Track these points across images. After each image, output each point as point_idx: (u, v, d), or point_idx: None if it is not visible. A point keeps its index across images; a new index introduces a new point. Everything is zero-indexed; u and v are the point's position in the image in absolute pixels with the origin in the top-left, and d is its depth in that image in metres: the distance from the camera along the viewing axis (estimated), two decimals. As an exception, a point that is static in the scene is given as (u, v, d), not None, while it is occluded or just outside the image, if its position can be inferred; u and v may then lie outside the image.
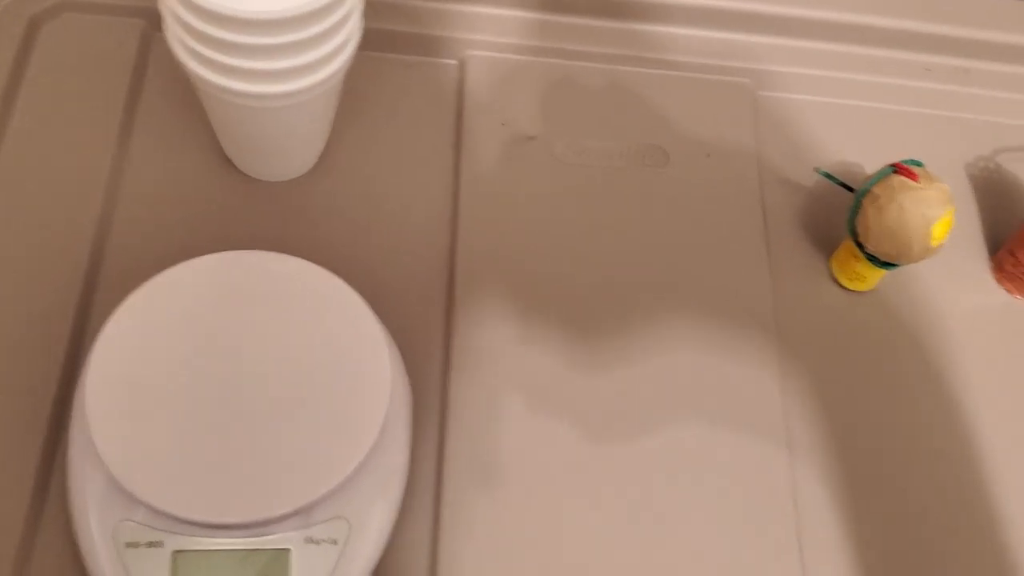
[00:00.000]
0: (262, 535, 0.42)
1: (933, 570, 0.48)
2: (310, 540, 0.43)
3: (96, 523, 0.42)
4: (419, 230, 0.53)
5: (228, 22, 0.42)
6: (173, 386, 0.43)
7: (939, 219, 0.49)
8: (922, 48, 0.63)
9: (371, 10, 0.51)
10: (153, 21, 0.56)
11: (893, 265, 0.52)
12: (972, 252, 0.58)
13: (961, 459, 0.51)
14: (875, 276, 0.54)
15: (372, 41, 0.56)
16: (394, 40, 0.58)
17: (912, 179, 0.49)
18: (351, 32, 0.46)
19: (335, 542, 0.43)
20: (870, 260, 0.52)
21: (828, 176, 0.55)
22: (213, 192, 0.52)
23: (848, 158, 0.59)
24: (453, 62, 0.59)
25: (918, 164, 0.51)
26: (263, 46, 0.43)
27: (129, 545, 0.42)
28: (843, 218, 0.54)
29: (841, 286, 0.55)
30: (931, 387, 0.53)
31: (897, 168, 0.50)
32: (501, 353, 0.50)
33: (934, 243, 0.50)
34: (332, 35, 0.44)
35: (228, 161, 0.53)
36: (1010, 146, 0.62)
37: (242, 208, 0.52)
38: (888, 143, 0.60)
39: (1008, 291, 0.57)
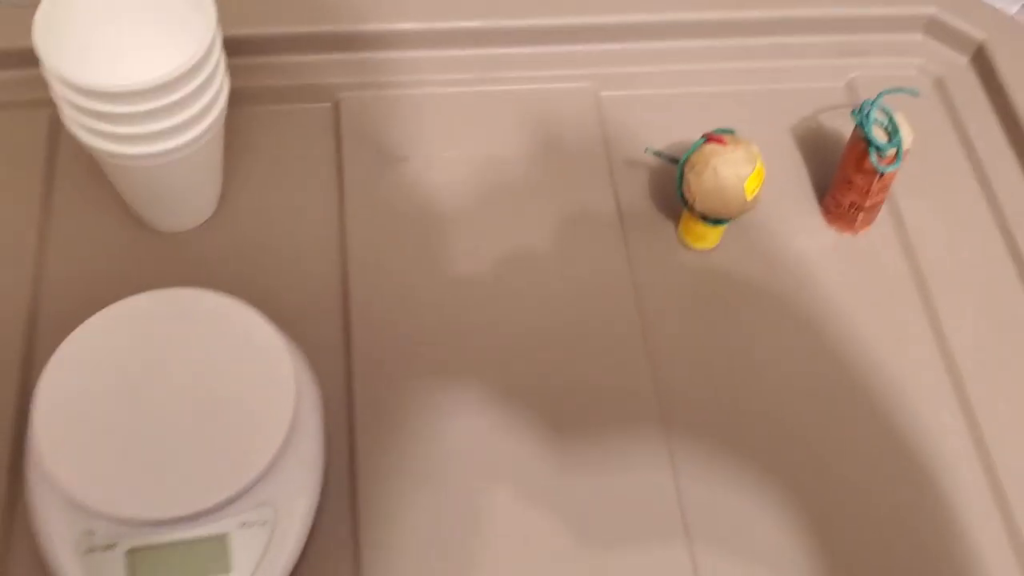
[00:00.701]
0: (202, 525, 0.48)
1: (804, 486, 0.55)
2: (244, 524, 0.49)
3: (57, 538, 0.48)
4: (313, 255, 0.59)
5: (102, 96, 0.48)
6: (110, 408, 0.49)
7: (749, 175, 0.56)
8: (738, 32, 0.70)
9: (249, 69, 0.58)
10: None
11: (723, 221, 0.59)
12: (803, 201, 0.65)
13: (811, 380, 0.58)
14: (715, 233, 0.61)
15: (253, 96, 0.63)
16: (273, 92, 0.64)
17: (721, 144, 0.56)
18: (216, 93, 0.52)
19: (265, 523, 0.49)
20: (703, 220, 0.59)
21: (657, 154, 0.62)
22: (126, 246, 0.58)
23: (684, 138, 0.66)
24: (328, 105, 0.65)
25: (730, 131, 0.58)
26: (136, 113, 0.49)
27: (88, 551, 0.48)
28: (679, 188, 0.61)
29: (689, 247, 0.62)
30: (782, 320, 0.60)
31: (708, 137, 0.57)
32: (396, 351, 0.56)
33: (749, 196, 0.56)
34: (197, 98, 0.51)
35: (136, 218, 0.59)
36: (826, 106, 0.69)
37: (153, 256, 0.58)
38: (719, 120, 0.66)
39: (837, 229, 0.64)
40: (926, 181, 0.66)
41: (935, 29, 0.71)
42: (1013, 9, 0.73)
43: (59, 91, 0.49)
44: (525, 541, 0.51)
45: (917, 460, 0.55)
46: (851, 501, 0.54)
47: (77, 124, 0.51)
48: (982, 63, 0.70)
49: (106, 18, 0.52)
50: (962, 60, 0.71)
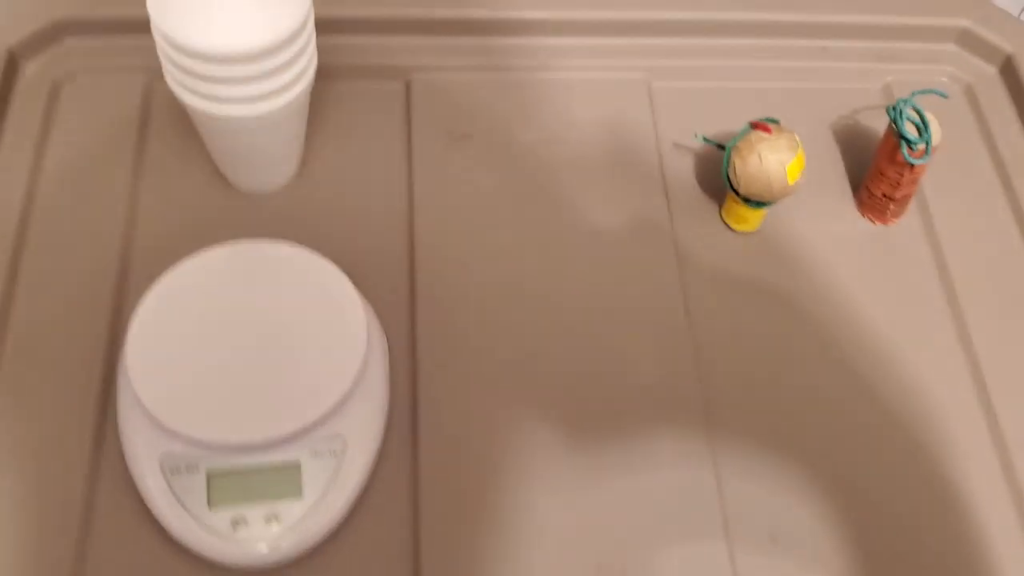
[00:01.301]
0: (277, 452, 0.52)
1: (840, 461, 0.57)
2: (315, 454, 0.52)
3: (144, 457, 0.51)
4: (383, 218, 0.63)
5: (208, 59, 0.52)
6: (197, 344, 0.52)
7: (791, 161, 0.59)
8: (785, 34, 0.73)
9: (331, 48, 0.62)
10: (153, 75, 0.66)
11: (765, 204, 0.62)
12: (839, 192, 0.68)
13: (840, 361, 0.61)
14: (756, 217, 0.64)
15: (334, 72, 0.66)
16: (351, 70, 0.68)
17: (766, 132, 0.59)
18: (307, 64, 0.56)
19: (334, 454, 0.53)
20: (746, 203, 0.62)
21: (705, 140, 0.65)
22: (212, 203, 0.62)
23: (729, 127, 0.69)
24: (400, 84, 0.69)
25: (774, 121, 0.61)
26: (235, 77, 0.53)
27: (173, 471, 0.51)
28: (724, 173, 0.64)
29: (732, 229, 0.65)
30: (816, 302, 0.63)
31: (754, 125, 0.60)
32: (456, 306, 0.59)
33: (791, 181, 0.60)
34: (292, 65, 0.54)
35: (223, 180, 0.63)
36: (863, 106, 0.72)
37: (237, 214, 0.62)
38: (763, 112, 0.69)
39: (870, 220, 0.67)
40: (953, 180, 0.68)
41: (967, 40, 0.74)
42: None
43: (167, 53, 0.53)
44: (559, 483, 0.54)
45: (935, 451, 0.58)
46: (869, 481, 0.56)
47: (180, 85, 0.55)
48: (1010, 74, 0.73)
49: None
50: (991, 70, 0.74)
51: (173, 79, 0.55)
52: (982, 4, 0.75)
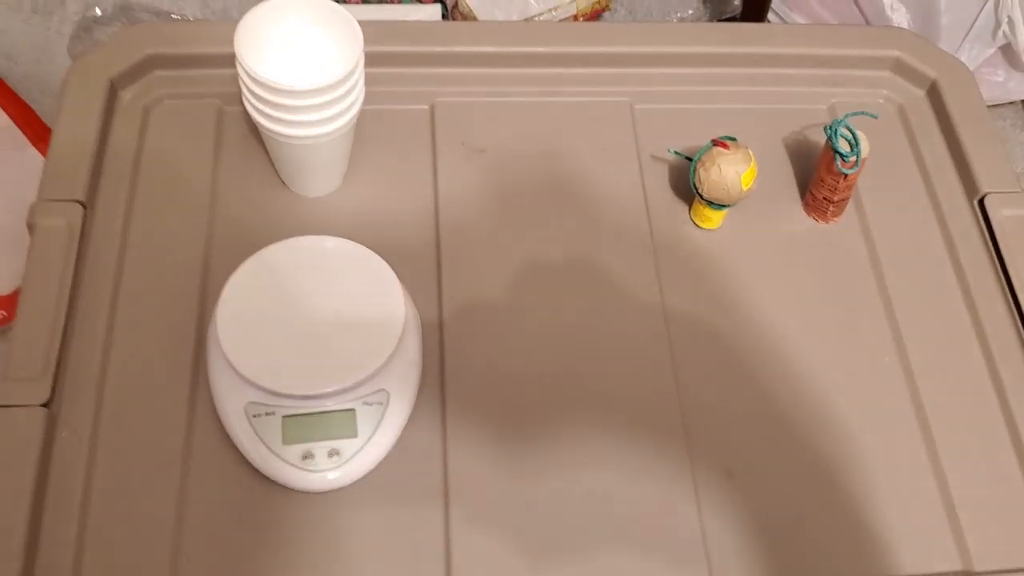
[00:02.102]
0: (336, 401, 0.64)
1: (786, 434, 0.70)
2: (365, 402, 0.64)
3: (231, 406, 0.64)
4: (414, 217, 0.75)
5: (282, 92, 0.65)
6: (271, 316, 0.64)
7: (745, 171, 0.72)
8: (745, 63, 0.85)
9: (372, 77, 0.74)
10: (225, 100, 0.78)
11: (724, 206, 0.74)
12: (788, 195, 0.80)
13: (786, 333, 0.73)
14: (718, 216, 0.77)
15: (373, 97, 0.78)
16: (386, 96, 0.80)
17: (724, 148, 0.72)
18: (357, 95, 0.68)
19: (381, 404, 0.65)
20: (710, 205, 0.75)
21: (676, 153, 0.77)
22: (276, 205, 0.75)
23: (698, 142, 0.81)
24: (426, 106, 0.81)
25: (731, 138, 0.73)
26: (305, 106, 0.65)
27: (255, 416, 0.64)
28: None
29: (698, 227, 0.78)
30: (767, 287, 0.75)
31: (715, 142, 0.73)
32: (474, 289, 0.72)
33: (745, 187, 0.72)
34: (345, 98, 0.67)
35: (284, 186, 0.76)
36: (810, 123, 0.84)
37: (296, 214, 0.74)
38: (726, 129, 0.80)
39: (814, 219, 0.79)
40: (885, 186, 0.81)
41: (899, 67, 0.86)
42: (964, 55, 0.88)
43: (248, 85, 0.66)
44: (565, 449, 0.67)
45: (863, 417, 0.70)
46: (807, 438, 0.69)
47: (257, 111, 0.67)
48: (935, 97, 0.85)
49: (282, 33, 0.68)
50: (919, 93, 0.86)
51: (252, 106, 0.67)
52: (912, 37, 0.87)
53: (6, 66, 1.33)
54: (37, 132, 1.17)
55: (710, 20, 1.59)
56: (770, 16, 1.59)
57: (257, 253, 0.67)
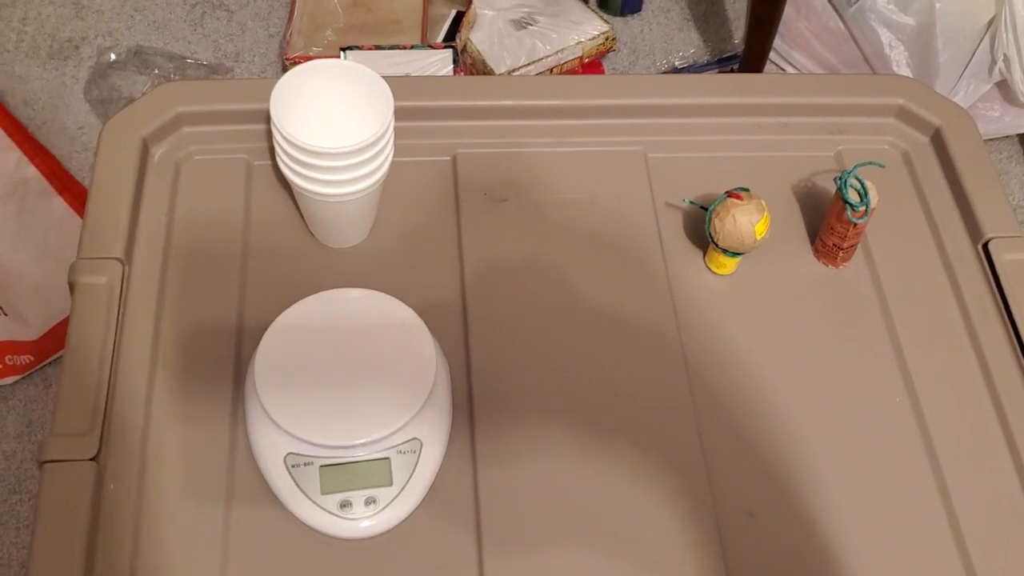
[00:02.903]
0: (372, 450, 0.66)
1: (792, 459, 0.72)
2: (400, 452, 0.67)
3: (270, 456, 0.66)
4: (439, 267, 0.77)
5: (315, 153, 0.67)
6: (307, 368, 0.67)
7: (759, 221, 0.74)
8: (756, 113, 0.88)
9: (397, 130, 0.76)
10: (252, 155, 0.81)
11: (739, 254, 0.77)
12: (799, 241, 0.83)
13: (799, 373, 0.76)
14: (732, 263, 0.79)
15: (398, 149, 0.81)
16: (410, 148, 0.83)
17: (738, 199, 0.75)
18: (387, 154, 0.71)
19: (414, 452, 0.67)
20: (724, 252, 0.78)
21: (691, 203, 0.80)
22: (306, 257, 0.77)
23: (712, 190, 0.84)
24: (448, 158, 0.84)
25: (745, 189, 0.76)
26: (338, 166, 0.68)
27: (293, 466, 0.66)
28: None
29: (713, 272, 0.81)
30: (781, 329, 0.78)
31: (729, 193, 0.76)
32: (499, 338, 0.74)
33: (758, 236, 0.75)
34: (376, 158, 0.69)
35: (312, 237, 0.78)
36: (819, 171, 0.87)
37: (326, 265, 0.77)
38: (739, 178, 0.84)
39: (824, 264, 0.82)
40: (892, 231, 0.84)
41: (904, 115, 0.89)
42: (966, 102, 0.91)
43: (282, 145, 0.68)
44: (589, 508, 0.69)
45: (872, 447, 0.73)
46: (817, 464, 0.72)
47: (291, 170, 0.70)
48: (939, 143, 0.88)
49: (315, 96, 0.70)
50: (924, 139, 0.89)
51: (286, 166, 0.70)
52: (916, 85, 0.91)
53: (25, 112, 1.36)
54: (63, 182, 1.19)
55: (711, 59, 1.63)
56: (771, 55, 1.63)
57: (291, 307, 0.70)
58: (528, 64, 1.44)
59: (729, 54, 1.63)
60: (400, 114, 0.82)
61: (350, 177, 0.69)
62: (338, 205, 0.72)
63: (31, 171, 1.10)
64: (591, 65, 1.53)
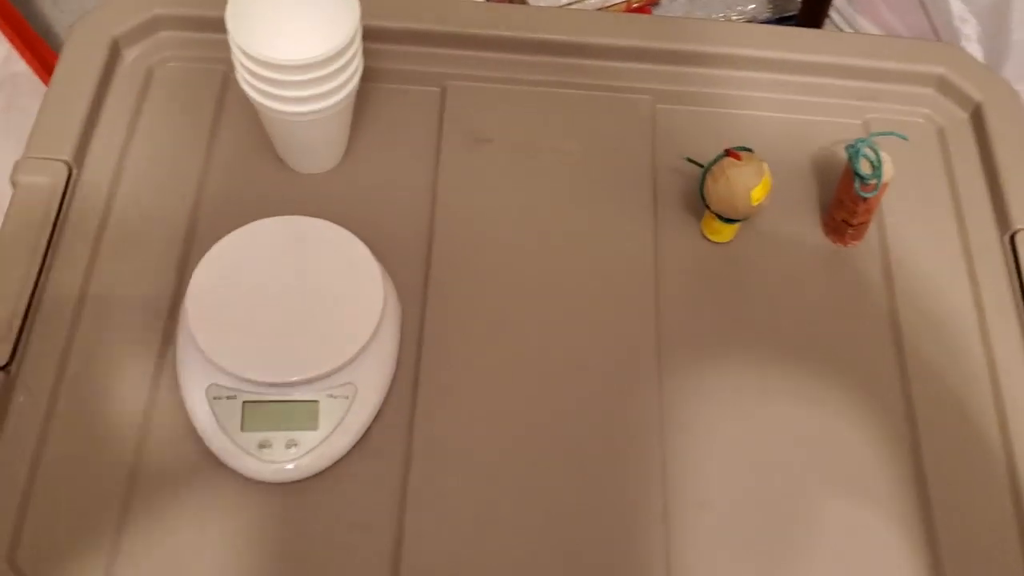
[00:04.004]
0: (300, 391, 0.62)
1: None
2: (331, 396, 0.62)
3: (193, 386, 0.62)
4: (410, 203, 0.72)
5: (271, 66, 0.62)
6: (243, 297, 0.63)
7: (756, 186, 0.67)
8: (778, 69, 0.81)
9: (378, 53, 0.71)
10: (230, 67, 0.76)
11: (733, 220, 0.70)
12: (808, 214, 0.76)
13: (789, 356, 0.69)
14: (729, 230, 0.72)
15: (379, 75, 0.76)
16: (395, 74, 0.77)
17: (736, 159, 0.68)
18: (354, 70, 0.66)
19: (347, 397, 0.63)
20: (719, 218, 0.71)
21: (691, 160, 0.73)
22: (270, 180, 0.72)
23: (720, 149, 0.76)
24: (436, 89, 0.78)
25: (747, 149, 0.69)
26: (296, 81, 0.63)
27: (215, 399, 0.62)
28: (705, 190, 0.72)
29: (708, 239, 0.74)
30: (769, 311, 0.71)
31: (727, 152, 0.69)
32: (462, 286, 0.69)
33: (754, 203, 0.68)
34: (341, 73, 0.64)
35: (280, 160, 0.73)
36: (842, 139, 0.79)
37: (289, 190, 0.72)
38: (752, 138, 0.76)
39: (832, 241, 0.75)
40: (913, 211, 0.76)
41: (944, 86, 0.81)
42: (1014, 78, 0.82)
43: (239, 59, 0.63)
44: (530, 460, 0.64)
45: (860, 442, 0.66)
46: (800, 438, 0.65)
47: (249, 85, 0.65)
48: (978, 120, 0.80)
49: (275, 5, 0.65)
50: (962, 115, 0.81)
51: (244, 81, 0.65)
52: (960, 54, 0.82)
53: (52, 14, 1.33)
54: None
55: (771, 16, 1.53)
56: (834, 17, 1.53)
57: (235, 231, 0.65)
58: (570, 3, 1.37)
59: (791, 13, 1.53)
60: (387, 36, 0.77)
61: (310, 94, 0.64)
62: (300, 125, 0.67)
63: (20, 66, 1.07)
64: (638, 11, 1.44)
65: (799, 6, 1.49)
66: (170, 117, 0.74)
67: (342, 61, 0.63)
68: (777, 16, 1.53)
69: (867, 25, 1.50)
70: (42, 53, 1.12)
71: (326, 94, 0.64)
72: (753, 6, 1.54)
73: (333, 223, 0.67)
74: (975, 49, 1.37)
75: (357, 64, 0.66)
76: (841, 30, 1.52)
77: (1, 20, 1.03)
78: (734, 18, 1.51)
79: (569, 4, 1.39)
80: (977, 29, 1.36)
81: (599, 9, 1.40)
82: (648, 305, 0.69)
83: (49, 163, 0.68)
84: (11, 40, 1.04)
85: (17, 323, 0.62)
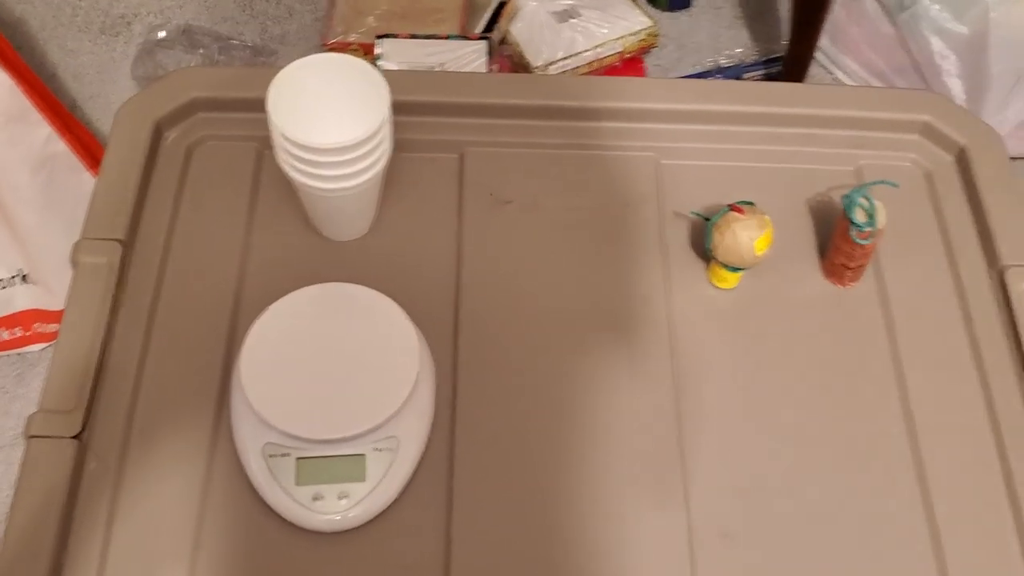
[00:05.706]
0: (348, 446, 0.66)
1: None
2: (376, 449, 0.67)
3: (250, 445, 0.67)
4: (437, 265, 0.77)
5: (311, 149, 0.68)
6: (292, 360, 0.68)
7: (759, 237, 0.73)
8: (772, 123, 0.86)
9: (401, 125, 0.76)
10: (264, 143, 0.82)
11: (738, 269, 0.76)
12: (808, 258, 0.81)
13: (794, 392, 0.74)
14: (734, 277, 0.78)
15: (403, 145, 0.81)
16: (416, 144, 0.82)
17: (740, 213, 0.73)
18: (384, 149, 0.71)
19: (391, 449, 0.67)
20: (725, 267, 0.76)
21: (697, 214, 0.79)
22: (305, 249, 0.78)
23: (723, 200, 0.82)
24: (456, 155, 0.84)
25: (749, 203, 0.75)
26: (332, 162, 0.68)
27: (271, 456, 0.67)
28: (711, 241, 0.78)
29: (715, 286, 0.79)
30: (777, 352, 0.76)
31: (731, 207, 0.74)
32: (490, 341, 0.74)
33: (758, 252, 0.73)
34: (372, 153, 0.69)
35: (315, 229, 0.79)
36: (837, 186, 0.85)
37: (325, 258, 0.77)
38: (752, 189, 0.81)
39: (832, 283, 0.80)
40: (906, 252, 0.81)
41: (929, 132, 0.87)
42: (1018, 116, 0.88)
43: (280, 143, 0.69)
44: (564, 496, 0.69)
45: (866, 477, 0.71)
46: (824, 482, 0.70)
47: (289, 165, 0.70)
48: (963, 162, 0.85)
49: (313, 92, 0.71)
50: (948, 158, 0.86)
51: (284, 161, 0.71)
52: (944, 102, 0.88)
53: (74, 87, 1.39)
54: (96, 158, 1.22)
55: (759, 59, 1.60)
56: (819, 57, 1.59)
57: (281, 299, 0.70)
58: (565, 58, 1.43)
59: (778, 55, 1.60)
60: (410, 109, 0.82)
61: (344, 172, 0.69)
62: (335, 199, 0.72)
63: (60, 146, 1.12)
64: (631, 61, 1.51)
65: (785, 48, 1.56)
66: (211, 192, 0.79)
67: (375, 141, 0.69)
68: (764, 58, 1.60)
69: (851, 64, 1.56)
70: (79, 134, 1.18)
71: (360, 171, 0.70)
72: (740, 50, 1.61)
73: (368, 287, 0.72)
74: (956, 84, 1.43)
75: (387, 143, 0.71)
76: (827, 70, 1.59)
77: (44, 105, 1.09)
78: (723, 63, 1.57)
79: (564, 58, 1.45)
80: (957, 64, 1.42)
81: (592, 62, 1.46)
82: (663, 350, 0.74)
83: (105, 243, 0.73)
84: (52, 122, 1.10)
85: (86, 394, 0.66)
